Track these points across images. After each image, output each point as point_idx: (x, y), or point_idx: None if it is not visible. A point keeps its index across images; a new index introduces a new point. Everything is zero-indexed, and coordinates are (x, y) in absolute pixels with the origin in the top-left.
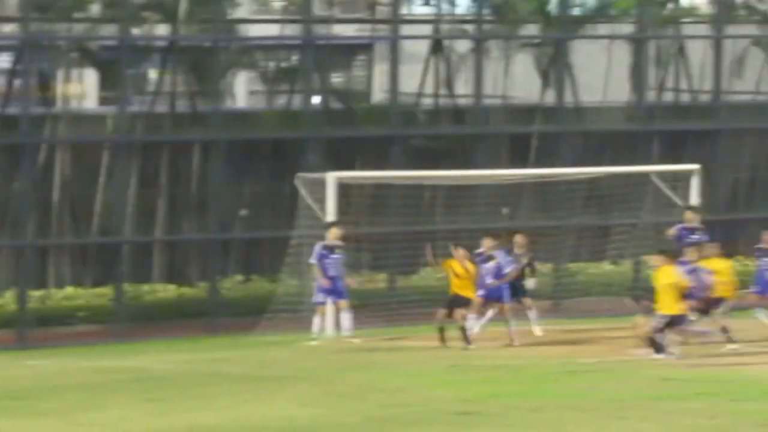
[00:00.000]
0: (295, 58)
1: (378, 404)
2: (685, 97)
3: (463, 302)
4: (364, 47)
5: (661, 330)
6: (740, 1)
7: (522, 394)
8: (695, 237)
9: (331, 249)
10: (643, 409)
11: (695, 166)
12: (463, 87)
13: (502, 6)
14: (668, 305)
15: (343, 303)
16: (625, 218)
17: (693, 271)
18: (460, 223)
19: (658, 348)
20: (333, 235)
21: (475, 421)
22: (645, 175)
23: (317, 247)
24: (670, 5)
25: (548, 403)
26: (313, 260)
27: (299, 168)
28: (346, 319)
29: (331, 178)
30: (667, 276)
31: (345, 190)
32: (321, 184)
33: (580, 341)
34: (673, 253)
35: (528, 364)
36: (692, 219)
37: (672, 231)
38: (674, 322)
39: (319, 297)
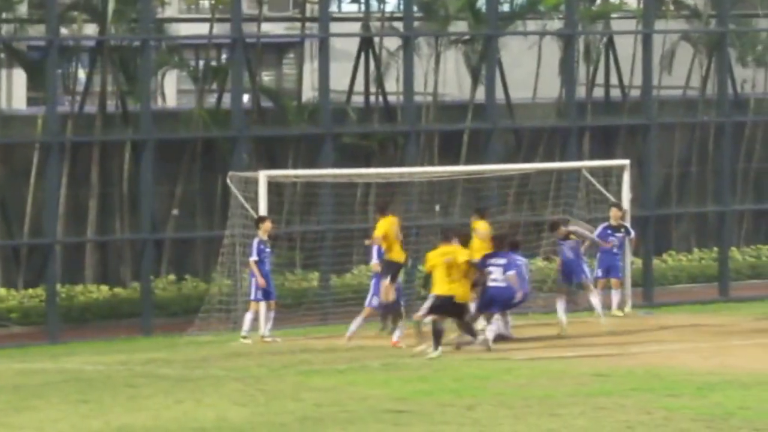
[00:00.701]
0: (224, 57)
1: (313, 403)
2: (615, 93)
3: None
4: (294, 45)
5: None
6: None
7: (456, 392)
8: (618, 235)
9: (266, 244)
10: (578, 405)
11: (626, 162)
12: (393, 84)
13: (431, 3)
14: None
15: (273, 303)
16: (557, 214)
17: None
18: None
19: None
20: (266, 230)
21: (410, 419)
22: (576, 171)
23: (255, 243)
24: (599, 1)
25: (482, 400)
26: (254, 257)
27: (230, 167)
28: (270, 319)
29: (263, 176)
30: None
31: (277, 188)
32: (253, 183)
33: (513, 338)
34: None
35: (462, 361)
36: (616, 217)
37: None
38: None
39: (258, 294)
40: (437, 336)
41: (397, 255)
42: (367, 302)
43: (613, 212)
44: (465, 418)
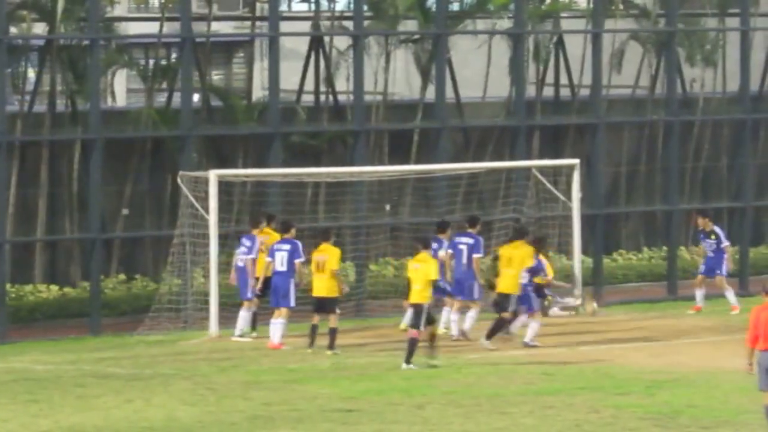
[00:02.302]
0: (174, 56)
1: (262, 402)
2: (564, 92)
3: None
4: (244, 45)
5: None
6: None
7: (406, 391)
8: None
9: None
10: (527, 404)
11: (575, 161)
12: (343, 83)
13: (380, 2)
14: None
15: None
16: (507, 213)
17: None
18: (342, 220)
19: None
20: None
21: (359, 418)
22: (526, 170)
23: (257, 241)
24: (547, 0)
25: (432, 399)
26: (253, 255)
27: (180, 166)
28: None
29: (213, 176)
30: None
31: (226, 187)
32: (203, 182)
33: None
34: None
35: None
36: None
37: None
38: None
39: (249, 292)
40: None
41: None
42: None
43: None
44: (415, 417)
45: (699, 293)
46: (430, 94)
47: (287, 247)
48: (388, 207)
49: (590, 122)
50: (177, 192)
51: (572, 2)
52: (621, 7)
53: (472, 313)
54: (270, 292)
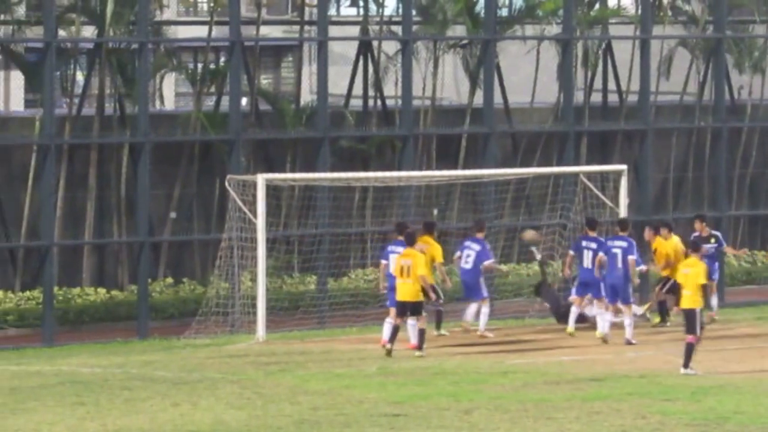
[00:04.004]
0: (222, 60)
1: (309, 407)
2: (612, 98)
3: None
4: (293, 49)
5: None
6: (667, 2)
7: (453, 396)
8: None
9: None
10: (574, 410)
11: (623, 167)
12: (391, 88)
13: (429, 7)
14: None
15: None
16: (554, 219)
17: None
18: (389, 225)
19: None
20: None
21: (406, 423)
22: (573, 176)
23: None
24: (597, 6)
25: (479, 404)
26: (384, 259)
27: (228, 170)
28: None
29: (261, 179)
30: None
31: (274, 191)
32: (251, 186)
33: (510, 342)
34: None
35: (458, 365)
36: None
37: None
38: None
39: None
40: None
41: None
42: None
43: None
44: (462, 422)
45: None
46: (479, 99)
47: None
48: (435, 212)
49: (638, 128)
50: (225, 196)
51: (621, 8)
52: (669, 13)
53: (485, 309)
54: (391, 294)
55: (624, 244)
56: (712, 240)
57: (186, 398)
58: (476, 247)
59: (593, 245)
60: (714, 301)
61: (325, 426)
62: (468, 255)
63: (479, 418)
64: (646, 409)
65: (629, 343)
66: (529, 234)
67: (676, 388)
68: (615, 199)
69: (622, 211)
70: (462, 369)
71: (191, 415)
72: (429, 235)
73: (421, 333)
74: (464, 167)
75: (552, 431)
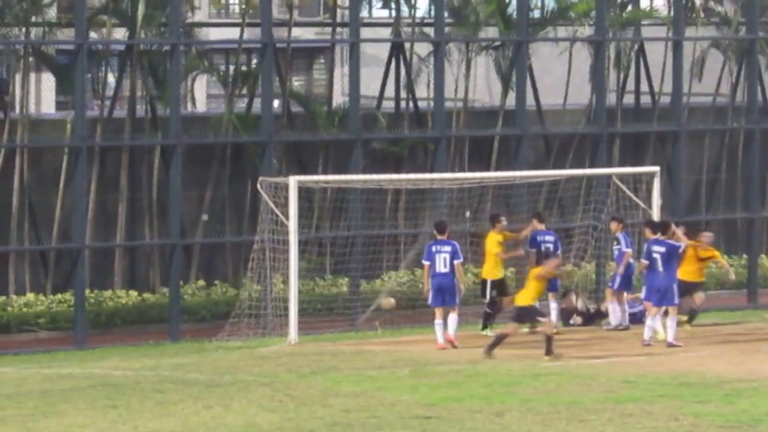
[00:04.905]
0: (254, 62)
1: (341, 409)
2: (645, 100)
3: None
4: (324, 51)
5: None
6: (699, 3)
7: (485, 398)
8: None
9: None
10: (606, 412)
11: (656, 168)
12: (424, 90)
13: (461, 9)
14: None
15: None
16: (587, 220)
17: None
18: (422, 227)
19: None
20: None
21: (438, 425)
22: (606, 178)
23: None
24: (629, 8)
25: (511, 407)
26: (426, 259)
27: (260, 172)
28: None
29: (293, 182)
30: None
31: (306, 194)
32: (283, 188)
33: (540, 344)
34: None
35: (490, 367)
36: (615, 230)
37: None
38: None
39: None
40: None
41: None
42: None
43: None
44: (494, 425)
45: None
46: (511, 101)
47: (447, 248)
48: (467, 214)
49: (671, 130)
50: (257, 198)
51: (653, 10)
52: (702, 14)
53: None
54: (435, 293)
55: (663, 249)
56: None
57: (218, 401)
58: (448, 248)
59: (662, 249)
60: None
61: (357, 428)
62: (445, 258)
63: (511, 420)
64: (679, 411)
65: (672, 345)
66: (385, 301)
67: (708, 390)
68: (648, 200)
69: (655, 214)
70: (494, 371)
71: (223, 418)
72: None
73: (548, 340)
74: (497, 169)
75: None
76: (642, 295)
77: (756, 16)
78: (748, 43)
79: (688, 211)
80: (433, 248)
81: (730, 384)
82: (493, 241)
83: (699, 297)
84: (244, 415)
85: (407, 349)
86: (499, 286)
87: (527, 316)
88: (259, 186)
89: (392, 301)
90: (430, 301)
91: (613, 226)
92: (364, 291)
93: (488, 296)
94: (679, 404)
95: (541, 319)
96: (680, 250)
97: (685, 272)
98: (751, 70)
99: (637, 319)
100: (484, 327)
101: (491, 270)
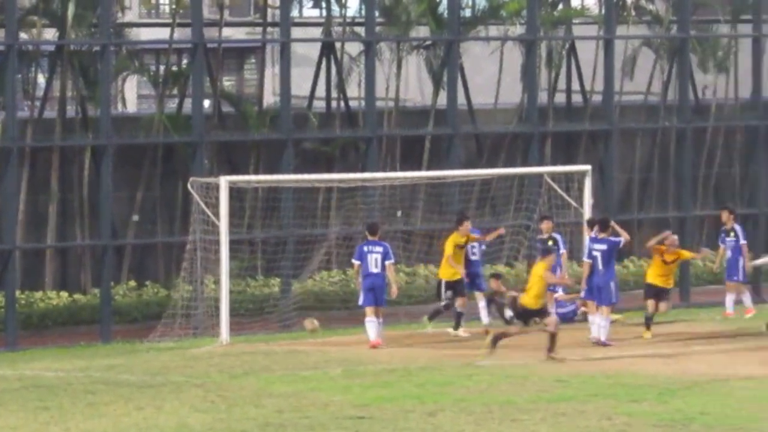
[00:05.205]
0: (185, 62)
1: (274, 410)
2: (577, 98)
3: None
4: (255, 50)
5: None
6: (630, 2)
7: (417, 398)
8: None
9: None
10: (539, 411)
11: (587, 167)
12: (355, 90)
13: (392, 8)
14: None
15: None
16: (519, 220)
17: None
18: (354, 227)
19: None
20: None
21: (371, 425)
22: (538, 177)
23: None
24: (560, 6)
25: (443, 406)
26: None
27: (191, 172)
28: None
29: (224, 182)
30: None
31: (238, 194)
32: (214, 189)
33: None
34: None
35: (423, 367)
36: (547, 229)
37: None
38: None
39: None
40: None
41: None
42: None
43: (544, 225)
44: (426, 424)
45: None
46: (442, 100)
47: (379, 249)
48: (399, 213)
49: (602, 129)
50: (188, 198)
51: (584, 9)
52: (633, 13)
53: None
54: (366, 293)
55: (604, 246)
56: (732, 234)
57: (150, 402)
58: (379, 249)
59: (603, 246)
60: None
61: (290, 429)
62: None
63: (444, 420)
64: (612, 410)
65: (602, 344)
66: (308, 324)
67: (642, 389)
68: (580, 199)
69: (587, 213)
70: (427, 371)
71: (155, 419)
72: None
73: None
74: (428, 168)
75: None
76: (582, 294)
77: (687, 14)
78: (680, 42)
79: (620, 210)
80: (365, 248)
81: (664, 383)
82: (451, 242)
83: (664, 305)
84: (176, 416)
85: (340, 350)
86: (455, 286)
87: (528, 317)
88: (189, 186)
89: (316, 323)
90: (361, 301)
91: (545, 225)
92: (295, 291)
93: (443, 296)
94: (613, 403)
95: (538, 320)
96: (620, 245)
97: (654, 276)
98: (682, 69)
99: (569, 318)
100: (457, 326)
101: (446, 270)
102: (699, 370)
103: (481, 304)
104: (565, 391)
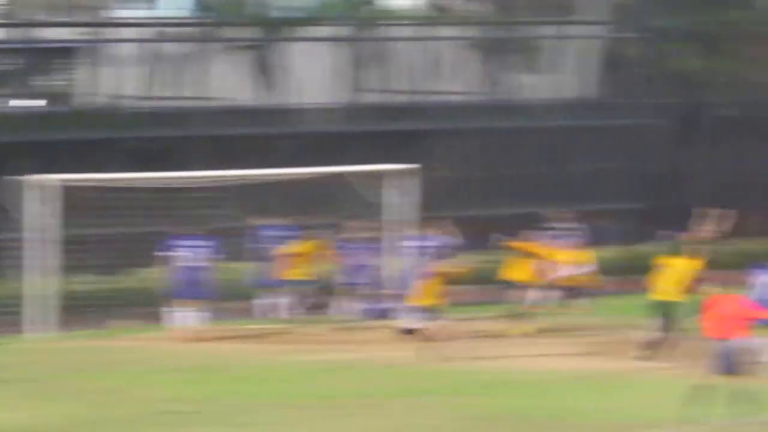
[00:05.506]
0: (7, 62)
1: (95, 404)
2: (397, 98)
3: None
4: (73, 51)
5: None
6: (446, 4)
7: (239, 394)
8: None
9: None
10: (359, 405)
11: (409, 166)
12: (178, 89)
13: (209, 8)
14: None
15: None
16: (339, 218)
17: None
18: (176, 226)
19: None
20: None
21: (192, 420)
22: (355, 175)
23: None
24: (380, 7)
25: (264, 401)
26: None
27: (18, 171)
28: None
29: (48, 180)
30: None
31: (66, 191)
32: (37, 188)
33: (280, 340)
34: None
35: (240, 362)
36: (360, 229)
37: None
38: None
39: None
40: None
41: None
42: None
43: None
44: (246, 419)
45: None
46: (267, 99)
47: (201, 243)
48: (218, 211)
49: (420, 128)
50: (10, 196)
51: (403, 10)
52: (452, 13)
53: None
54: (183, 286)
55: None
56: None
57: None
58: (202, 243)
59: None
60: None
61: (109, 424)
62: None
63: (265, 415)
64: (437, 404)
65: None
66: None
67: (465, 383)
68: (401, 198)
69: (408, 212)
70: (245, 366)
71: None
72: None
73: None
74: (248, 168)
75: (340, 426)
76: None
77: (506, 15)
78: (498, 42)
79: (438, 209)
80: (185, 243)
81: (485, 377)
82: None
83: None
84: None
85: (158, 345)
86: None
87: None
88: (11, 185)
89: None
90: (176, 293)
91: (356, 224)
92: (116, 288)
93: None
94: (435, 396)
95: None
96: (446, 247)
97: (517, 272)
98: (504, 69)
99: (383, 315)
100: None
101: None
102: (518, 366)
103: (283, 300)
104: (388, 385)
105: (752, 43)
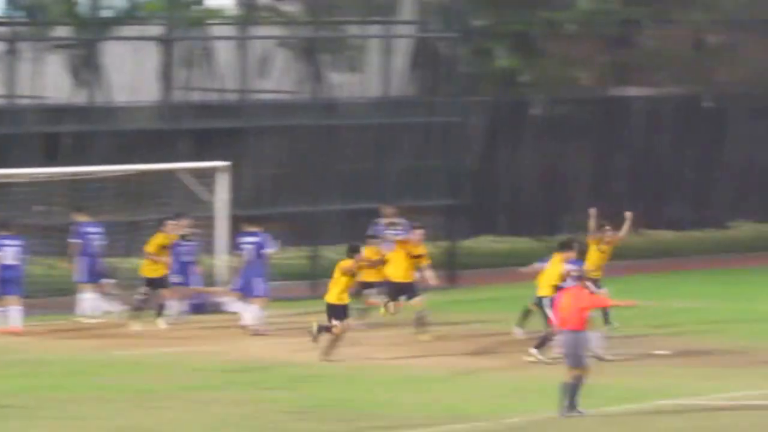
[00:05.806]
0: None
1: None
2: (213, 96)
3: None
4: None
5: None
6: (265, 4)
7: (54, 388)
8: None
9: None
10: (174, 399)
11: (222, 163)
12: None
13: (33, 8)
14: None
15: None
16: (155, 214)
17: None
18: None
19: None
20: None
21: (6, 413)
22: (175, 173)
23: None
24: (197, 7)
25: (80, 395)
26: None
27: None
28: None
29: None
30: None
31: None
32: None
33: (117, 335)
34: None
35: (60, 356)
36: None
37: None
38: None
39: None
40: None
41: None
42: None
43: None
44: (63, 412)
45: None
46: (82, 97)
47: (16, 242)
48: (38, 209)
49: (238, 126)
50: None
51: (221, 9)
52: (268, 14)
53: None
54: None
55: (257, 239)
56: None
57: None
58: (17, 242)
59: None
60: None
61: None
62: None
63: (83, 408)
64: (245, 397)
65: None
66: None
67: (273, 376)
68: (216, 195)
69: (222, 208)
70: (66, 360)
71: None
72: None
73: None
74: (69, 165)
75: (153, 420)
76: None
77: (319, 15)
78: (312, 42)
79: (255, 205)
80: (5, 242)
81: (294, 370)
82: (153, 241)
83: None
84: None
85: None
86: (155, 283)
87: (335, 314)
88: None
89: None
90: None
91: (179, 223)
92: None
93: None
94: (246, 390)
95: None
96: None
97: (395, 271)
98: (315, 68)
99: (200, 309)
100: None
101: (149, 267)
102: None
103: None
104: (202, 379)
105: (569, 43)
